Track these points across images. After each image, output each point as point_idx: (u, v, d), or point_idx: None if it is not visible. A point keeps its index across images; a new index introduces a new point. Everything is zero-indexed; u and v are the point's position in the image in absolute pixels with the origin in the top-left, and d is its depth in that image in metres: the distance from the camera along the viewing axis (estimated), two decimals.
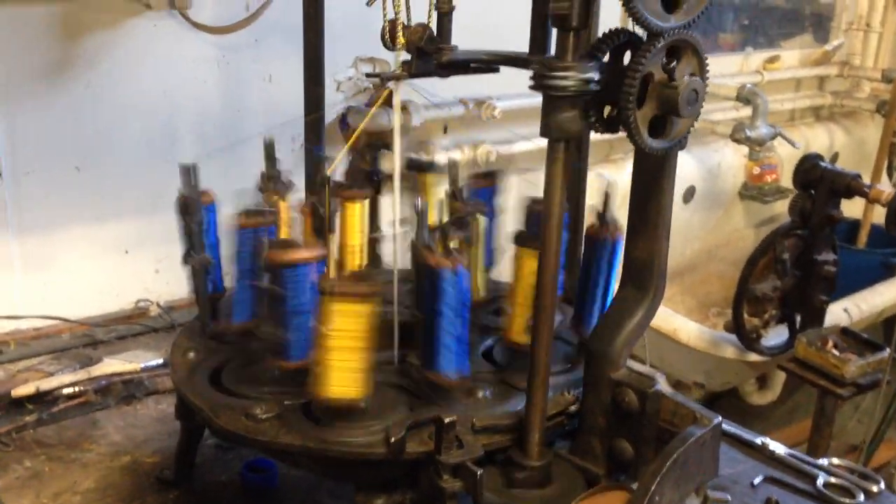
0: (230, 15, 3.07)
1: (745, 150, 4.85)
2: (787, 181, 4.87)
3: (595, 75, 1.45)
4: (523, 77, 1.59)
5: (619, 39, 1.54)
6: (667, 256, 1.71)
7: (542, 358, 1.59)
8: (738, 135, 4.38)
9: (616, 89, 1.47)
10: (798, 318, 3.76)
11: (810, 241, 3.59)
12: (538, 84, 1.49)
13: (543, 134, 1.50)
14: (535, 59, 1.64)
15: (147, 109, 3.03)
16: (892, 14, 5.59)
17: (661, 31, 1.44)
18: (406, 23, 1.95)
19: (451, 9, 1.95)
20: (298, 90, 2.64)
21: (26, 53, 2.76)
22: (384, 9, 1.93)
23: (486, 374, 1.90)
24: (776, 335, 3.84)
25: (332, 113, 3.56)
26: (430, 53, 1.91)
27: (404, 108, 3.62)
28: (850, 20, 5.61)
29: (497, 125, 3.89)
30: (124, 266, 3.13)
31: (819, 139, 5.57)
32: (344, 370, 1.59)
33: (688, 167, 4.86)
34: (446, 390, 1.76)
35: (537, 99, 1.53)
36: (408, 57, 1.96)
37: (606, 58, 1.55)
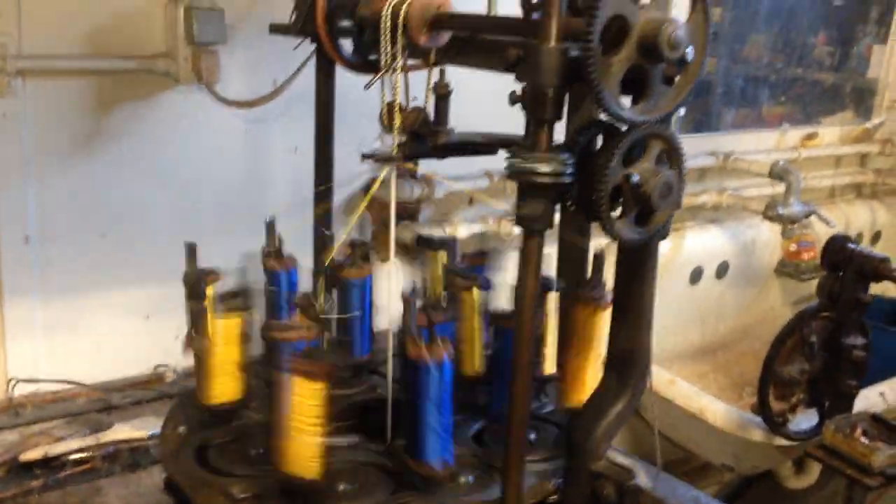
0: (257, 88, 3.17)
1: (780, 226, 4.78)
2: None
3: (569, 168, 1.46)
4: None
5: (596, 130, 1.55)
6: (650, 347, 1.69)
7: (515, 449, 1.57)
8: (770, 212, 4.32)
9: (590, 174, 1.47)
10: (827, 403, 3.65)
11: (839, 324, 3.50)
12: (511, 173, 1.50)
13: (517, 223, 1.50)
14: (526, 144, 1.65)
15: (172, 179, 3.12)
16: None
17: (635, 124, 1.44)
18: (404, 105, 1.99)
19: (449, 92, 1.98)
20: None
21: (59, 124, 2.88)
22: (382, 92, 1.98)
23: (472, 459, 1.88)
24: (806, 419, 3.73)
25: (357, 182, 3.64)
26: (426, 136, 1.94)
27: (428, 179, 3.67)
28: (893, 97, 5.54)
29: None
30: (145, 331, 3.19)
31: (860, 217, 5.46)
32: (300, 448, 1.59)
33: (721, 242, 4.80)
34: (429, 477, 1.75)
35: None
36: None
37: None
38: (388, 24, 1.92)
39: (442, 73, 1.98)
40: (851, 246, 3.51)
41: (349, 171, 3.48)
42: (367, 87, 1.93)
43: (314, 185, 2.42)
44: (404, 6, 1.86)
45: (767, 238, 5.02)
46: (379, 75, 1.93)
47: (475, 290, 2.06)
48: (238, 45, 3.08)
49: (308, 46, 2.29)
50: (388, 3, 1.91)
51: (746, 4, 5.41)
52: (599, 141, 1.59)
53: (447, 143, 1.97)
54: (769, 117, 5.67)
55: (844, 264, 3.51)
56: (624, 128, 1.50)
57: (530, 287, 1.52)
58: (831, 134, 5.39)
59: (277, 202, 3.36)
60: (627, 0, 1.42)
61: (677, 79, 1.48)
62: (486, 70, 1.94)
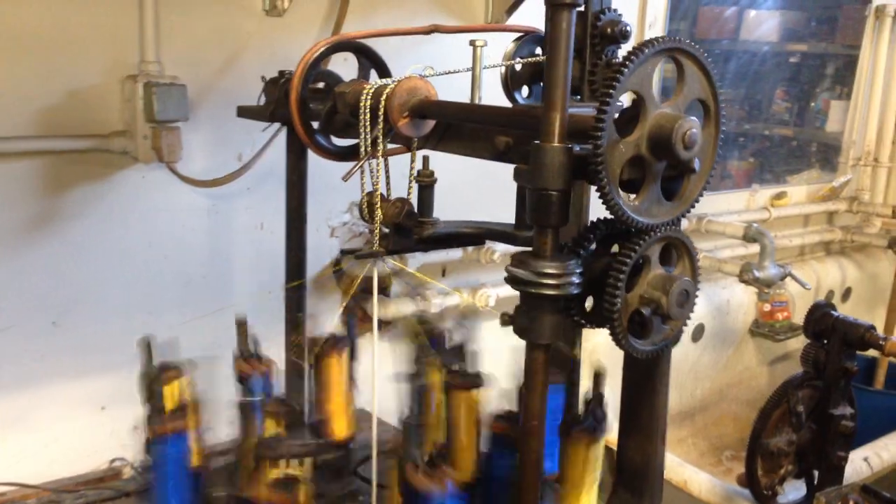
0: (222, 164, 3.02)
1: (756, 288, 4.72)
2: (799, 318, 4.71)
3: (576, 278, 1.33)
4: None
5: (603, 230, 1.43)
6: (663, 459, 1.55)
7: None
8: (746, 276, 4.25)
9: (599, 283, 1.35)
10: (816, 474, 3.54)
11: (825, 394, 3.40)
12: (514, 283, 1.37)
13: (520, 335, 1.37)
14: (520, 235, 1.53)
15: (131, 262, 2.94)
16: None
17: (648, 228, 1.33)
18: (384, 195, 1.86)
19: (433, 182, 1.86)
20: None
21: (8, 207, 2.70)
22: (362, 181, 1.85)
23: None
24: (794, 489, 3.61)
25: (327, 257, 3.48)
26: (410, 228, 1.81)
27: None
28: (857, 155, 5.56)
29: (496, 268, 3.80)
30: (100, 424, 2.98)
31: (831, 274, 5.44)
32: None
33: (696, 305, 4.70)
34: None
35: None
36: (385, 230, 1.87)
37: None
38: (368, 109, 1.79)
39: (425, 160, 1.86)
40: (835, 314, 3.43)
41: (317, 245, 3.33)
42: (346, 178, 1.80)
43: (286, 275, 2.27)
44: (385, 92, 1.74)
45: (741, 299, 4.96)
46: (357, 165, 1.80)
47: (474, 392, 1.92)
48: (201, 121, 2.94)
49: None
50: (367, 89, 1.79)
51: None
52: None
53: (433, 234, 1.84)
54: (737, 175, 5.66)
55: (828, 333, 3.42)
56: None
57: (537, 407, 1.38)
58: (798, 193, 5.37)
59: (243, 282, 3.21)
60: (646, 85, 1.30)
61: (686, 180, 1.36)
62: (472, 157, 1.82)
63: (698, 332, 4.79)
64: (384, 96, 1.73)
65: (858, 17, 5.96)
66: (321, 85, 2.07)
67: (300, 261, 2.28)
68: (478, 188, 3.11)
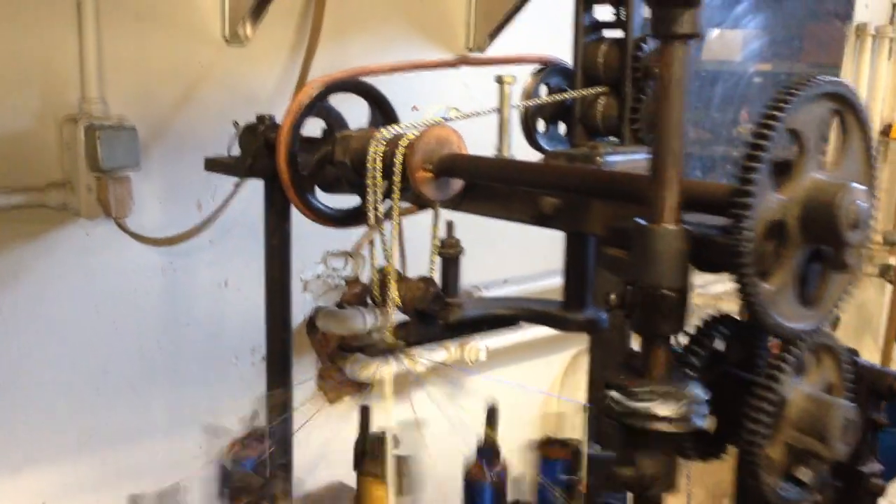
0: (179, 215, 2.62)
1: None
2: None
3: (703, 408, 0.98)
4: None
5: (726, 330, 1.08)
6: None
7: None
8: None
9: (726, 413, 1.00)
10: None
11: (852, 451, 3.11)
12: (612, 415, 1.01)
13: (628, 487, 1.01)
14: (572, 319, 1.18)
15: (74, 333, 2.52)
16: (888, 175, 5.35)
17: (797, 336, 0.98)
18: (400, 271, 1.50)
19: (459, 253, 1.50)
20: (260, 294, 2.16)
21: None
22: (372, 257, 1.48)
23: None
24: None
25: (299, 314, 3.09)
26: (434, 313, 1.45)
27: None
28: None
29: None
30: None
31: None
32: None
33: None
34: None
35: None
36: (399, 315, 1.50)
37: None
38: (380, 164, 1.43)
39: (450, 227, 1.49)
40: (861, 361, 3.14)
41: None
42: (354, 253, 1.42)
43: (267, 367, 1.88)
44: (403, 142, 1.38)
45: None
46: (366, 240, 1.43)
47: None
48: (154, 167, 2.54)
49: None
50: (378, 137, 1.42)
51: None
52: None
53: (462, 319, 1.47)
54: None
55: (853, 382, 3.13)
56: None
57: None
58: None
59: (206, 348, 2.80)
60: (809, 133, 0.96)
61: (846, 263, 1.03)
62: (505, 220, 1.47)
63: None
64: (401, 148, 1.37)
65: (826, 37, 5.78)
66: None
67: (286, 340, 1.88)
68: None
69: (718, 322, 1.09)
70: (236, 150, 1.84)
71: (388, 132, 1.42)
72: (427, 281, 1.42)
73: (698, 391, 0.98)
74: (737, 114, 6.46)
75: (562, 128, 1.92)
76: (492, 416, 1.54)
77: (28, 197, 2.34)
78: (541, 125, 1.90)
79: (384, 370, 3.17)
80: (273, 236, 1.79)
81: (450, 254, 1.46)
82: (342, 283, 3.17)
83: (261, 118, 1.73)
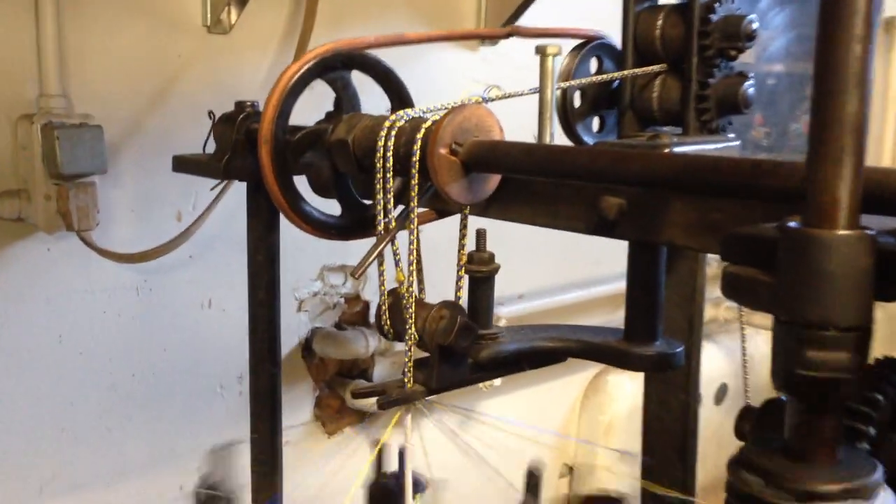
0: (154, 230, 2.29)
1: None
2: None
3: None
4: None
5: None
6: None
7: None
8: None
9: None
10: None
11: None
12: None
13: None
14: (636, 354, 0.86)
15: (35, 363, 2.19)
16: None
17: None
18: (417, 294, 1.17)
19: (493, 271, 1.17)
20: (245, 314, 1.83)
21: None
22: (381, 276, 1.15)
23: None
24: None
25: (294, 336, 2.76)
26: (463, 349, 1.12)
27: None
28: None
29: None
30: None
31: None
32: None
33: (717, 363, 4.10)
34: None
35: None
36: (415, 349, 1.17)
37: None
38: (388, 156, 1.10)
39: (480, 237, 1.16)
40: None
41: (281, 321, 2.62)
42: (357, 274, 1.09)
43: (250, 412, 1.55)
44: (425, 126, 1.05)
45: (765, 352, 4.32)
46: (377, 251, 1.10)
47: None
48: (124, 172, 2.22)
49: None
50: (389, 123, 1.10)
51: None
52: None
53: (497, 356, 1.14)
54: None
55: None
56: None
57: None
58: None
59: (186, 378, 2.47)
60: None
61: None
62: (549, 228, 1.14)
63: (721, 394, 4.16)
64: (422, 134, 1.04)
65: None
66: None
67: (271, 380, 1.55)
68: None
69: (890, 367, 0.77)
70: (213, 146, 1.51)
71: (400, 116, 1.10)
72: (452, 307, 1.09)
73: (878, 478, 0.65)
74: (751, 117, 6.17)
75: (595, 121, 1.60)
76: (533, 483, 1.21)
77: None
78: (595, 124, 1.58)
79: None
80: (257, 251, 1.46)
81: (481, 272, 1.13)
82: (341, 302, 2.86)
83: (240, 105, 1.41)
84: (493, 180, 1.08)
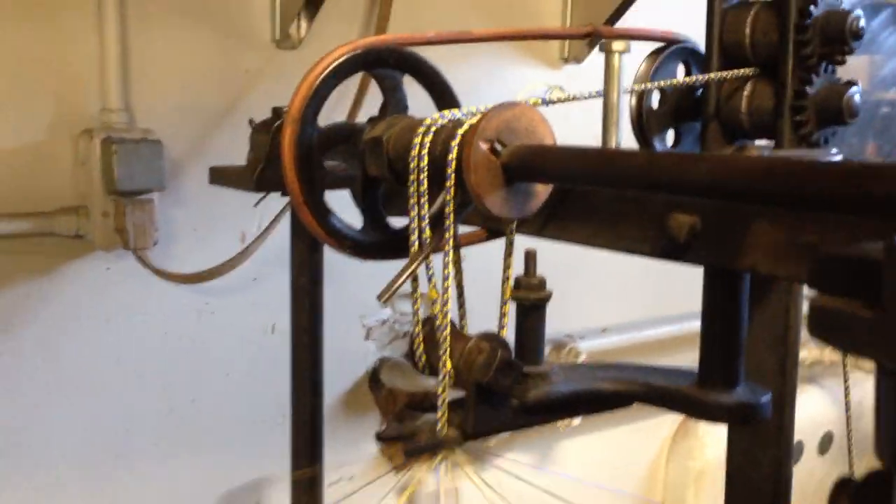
0: (217, 250, 2.21)
1: None
2: None
3: None
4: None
5: None
6: None
7: None
8: None
9: None
10: None
11: None
12: None
13: None
14: (711, 403, 0.70)
15: (90, 386, 2.13)
16: None
17: None
18: (458, 324, 1.02)
19: (544, 298, 1.01)
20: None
21: None
22: (415, 305, 1.00)
23: None
24: None
25: (361, 366, 2.64)
26: (505, 389, 0.96)
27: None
28: None
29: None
30: None
31: None
32: None
33: (822, 409, 3.80)
34: None
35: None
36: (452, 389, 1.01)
37: None
38: (424, 165, 0.96)
39: (529, 258, 1.01)
40: None
41: (347, 349, 2.51)
42: (384, 299, 0.95)
43: (290, 450, 1.43)
44: (461, 131, 0.91)
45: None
46: (406, 273, 0.95)
47: None
48: (188, 190, 2.16)
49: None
50: (423, 128, 0.96)
51: None
52: None
53: (547, 398, 0.98)
54: None
55: None
56: None
57: None
58: None
59: (247, 405, 2.37)
60: None
61: None
62: (608, 250, 0.98)
63: (826, 443, 3.85)
64: (464, 129, 0.90)
65: None
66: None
67: (313, 416, 1.42)
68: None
69: None
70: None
71: (436, 119, 0.96)
72: (492, 340, 0.94)
73: None
74: (863, 147, 5.79)
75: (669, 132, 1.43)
76: None
77: (36, 223, 1.98)
78: (669, 138, 1.41)
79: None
80: (300, 273, 1.34)
81: (530, 300, 0.97)
82: (411, 329, 2.73)
83: (277, 111, 1.29)
84: (540, 195, 0.93)
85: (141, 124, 2.06)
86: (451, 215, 0.92)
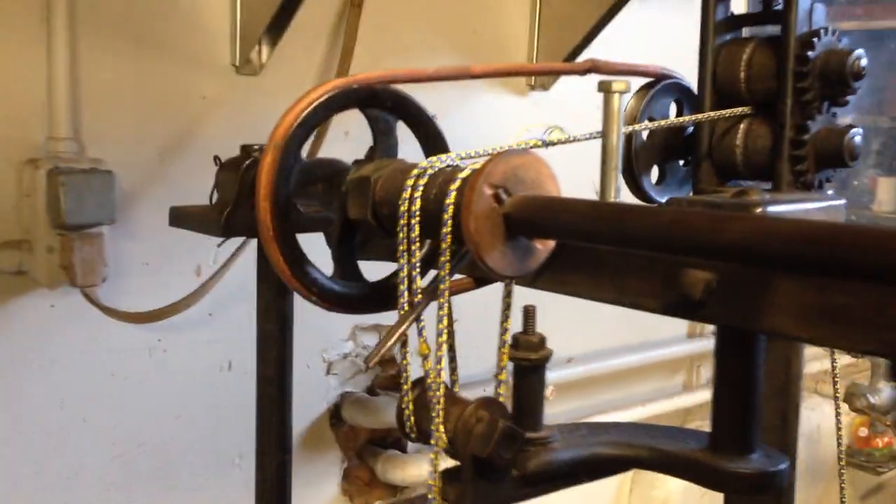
0: (171, 285, 2.09)
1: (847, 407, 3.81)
2: None
3: None
4: None
5: None
6: None
7: None
8: (857, 402, 3.33)
9: None
10: None
11: None
12: None
13: None
14: (743, 474, 0.61)
15: (32, 431, 1.99)
16: None
17: None
18: (447, 385, 0.93)
19: (544, 359, 0.93)
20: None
21: None
22: (404, 362, 0.92)
23: None
24: None
25: (322, 402, 2.54)
26: (505, 460, 0.88)
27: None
28: None
29: None
30: None
31: None
32: None
33: None
34: None
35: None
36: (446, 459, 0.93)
37: None
38: (415, 216, 0.88)
39: (528, 315, 0.93)
40: None
41: (306, 385, 2.40)
42: (372, 363, 0.86)
43: (257, 482, 1.33)
44: (459, 179, 0.83)
45: (832, 422, 4.01)
46: (397, 334, 0.87)
47: None
48: (140, 223, 2.04)
49: None
50: (415, 172, 0.88)
51: None
52: None
53: (549, 467, 0.90)
54: None
55: None
56: None
57: None
58: None
59: (201, 449, 2.25)
60: None
61: None
62: (613, 305, 0.91)
63: None
64: (465, 174, 0.82)
65: None
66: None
67: (280, 470, 1.32)
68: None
69: None
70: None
71: (429, 165, 0.88)
72: (492, 407, 0.86)
73: None
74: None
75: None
76: None
77: None
78: (654, 174, 1.36)
79: (423, 470, 2.60)
80: (266, 319, 1.25)
81: (529, 360, 0.90)
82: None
83: (246, 149, 1.20)
84: (541, 253, 0.85)
85: (91, 154, 1.94)
86: (447, 265, 0.84)
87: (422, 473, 2.57)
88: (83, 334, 2.01)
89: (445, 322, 0.85)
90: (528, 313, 0.91)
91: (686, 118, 1.20)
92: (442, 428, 0.85)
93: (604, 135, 1.01)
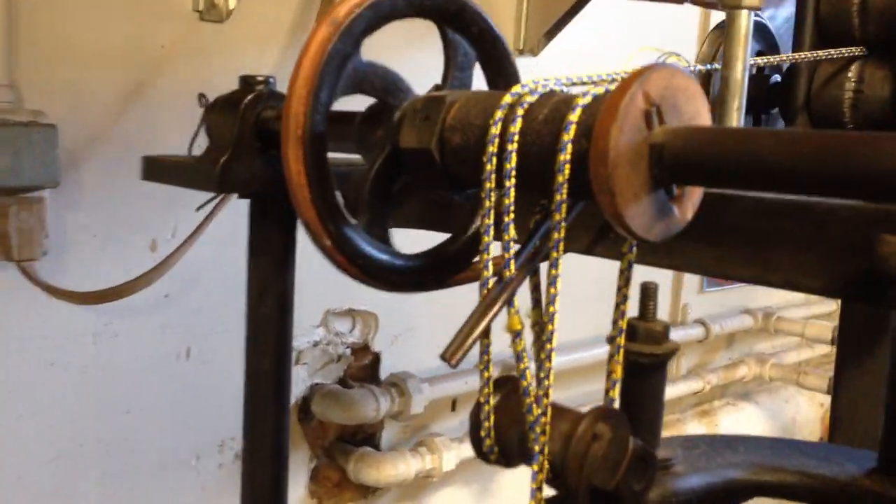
0: (122, 262, 1.81)
1: (822, 398, 3.75)
2: None
3: None
4: None
5: None
6: None
7: None
8: None
9: None
10: None
11: None
12: None
13: None
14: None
15: None
16: None
17: None
18: (534, 396, 0.70)
19: (669, 353, 0.70)
20: (234, 368, 1.33)
21: None
22: (486, 356, 0.68)
23: None
24: None
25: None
26: (636, 497, 0.65)
27: (397, 386, 2.34)
28: None
29: None
30: None
31: None
32: None
33: (759, 425, 3.70)
34: None
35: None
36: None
37: None
38: (512, 158, 0.64)
39: (649, 296, 0.70)
40: None
41: None
42: (455, 358, 0.62)
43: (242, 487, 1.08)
44: (581, 103, 0.59)
45: (807, 413, 3.95)
46: (485, 321, 0.63)
47: None
48: (86, 187, 1.76)
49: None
50: (508, 99, 0.63)
51: None
52: None
53: (675, 499, 0.68)
54: None
55: None
56: None
57: None
58: None
59: (155, 446, 1.98)
60: None
61: None
62: (769, 286, 0.68)
63: None
64: (577, 115, 0.59)
65: None
66: None
67: (278, 479, 1.08)
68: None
69: None
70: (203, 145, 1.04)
71: (536, 86, 0.65)
72: (613, 420, 0.63)
73: None
74: None
75: None
76: None
77: None
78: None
79: (399, 469, 2.37)
80: (262, 301, 1.00)
81: (655, 356, 0.67)
82: (347, 353, 2.38)
83: (248, 82, 0.94)
84: (692, 203, 0.63)
85: (30, 105, 1.65)
86: (563, 206, 0.61)
87: (398, 473, 2.34)
88: (18, 316, 1.73)
89: (559, 286, 0.62)
90: (648, 293, 0.68)
91: (797, 55, 0.98)
92: (547, 449, 0.62)
93: (725, 65, 0.78)
